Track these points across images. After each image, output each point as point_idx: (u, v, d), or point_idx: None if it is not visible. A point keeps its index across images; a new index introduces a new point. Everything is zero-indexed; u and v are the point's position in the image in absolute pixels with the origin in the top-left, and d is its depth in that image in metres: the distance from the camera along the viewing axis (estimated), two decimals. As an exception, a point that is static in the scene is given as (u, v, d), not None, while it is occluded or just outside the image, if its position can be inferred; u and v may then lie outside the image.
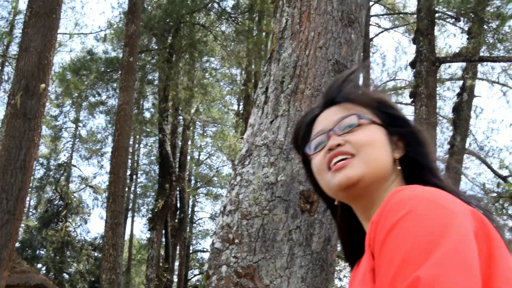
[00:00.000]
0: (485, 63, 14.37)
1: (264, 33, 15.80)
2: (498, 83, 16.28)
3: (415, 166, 1.29)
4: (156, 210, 15.40)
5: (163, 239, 17.01)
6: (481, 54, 11.88)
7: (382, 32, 17.27)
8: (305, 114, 1.43)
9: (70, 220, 22.63)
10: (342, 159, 1.26)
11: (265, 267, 2.83)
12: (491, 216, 1.14)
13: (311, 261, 2.91)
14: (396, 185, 1.28)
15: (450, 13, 12.04)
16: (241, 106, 22.39)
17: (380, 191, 1.27)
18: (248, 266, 2.85)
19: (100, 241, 23.41)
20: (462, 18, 11.88)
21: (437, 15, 12.25)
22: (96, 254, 22.96)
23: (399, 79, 18.28)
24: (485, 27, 11.39)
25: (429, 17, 11.70)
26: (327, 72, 3.15)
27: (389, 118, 1.31)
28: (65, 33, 18.94)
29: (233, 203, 3.02)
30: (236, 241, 2.93)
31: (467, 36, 12.11)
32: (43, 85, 8.66)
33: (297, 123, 1.45)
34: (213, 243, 3.04)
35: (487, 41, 11.75)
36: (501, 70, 15.53)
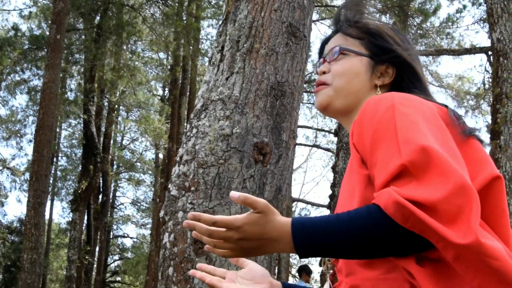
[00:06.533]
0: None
1: (193, 18, 15.80)
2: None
3: (409, 89, 1.43)
4: (79, 191, 15.10)
5: (85, 222, 16.73)
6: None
7: (308, 24, 17.59)
8: (325, 37, 1.61)
9: (-15, 202, 21.78)
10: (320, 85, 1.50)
11: (220, 213, 2.99)
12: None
13: (263, 208, 3.09)
14: None
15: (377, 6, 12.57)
16: (166, 91, 22.29)
17: (355, 112, 1.43)
18: (204, 211, 2.99)
19: (17, 225, 22.64)
20: (388, 12, 12.42)
21: (363, 7, 12.67)
22: (12, 238, 22.21)
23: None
24: (409, 22, 11.96)
25: (356, 10, 12.08)
26: (281, 33, 3.34)
27: (377, 48, 1.46)
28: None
29: (190, 153, 3.16)
30: (193, 188, 3.07)
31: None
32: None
33: (320, 45, 1.61)
34: (169, 191, 3.17)
35: (410, 36, 12.38)
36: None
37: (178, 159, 3.24)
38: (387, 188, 1.10)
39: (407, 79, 1.44)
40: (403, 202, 1.05)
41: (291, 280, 20.89)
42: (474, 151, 1.24)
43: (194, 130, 3.23)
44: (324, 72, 1.49)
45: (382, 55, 1.45)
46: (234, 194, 1.15)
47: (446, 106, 1.31)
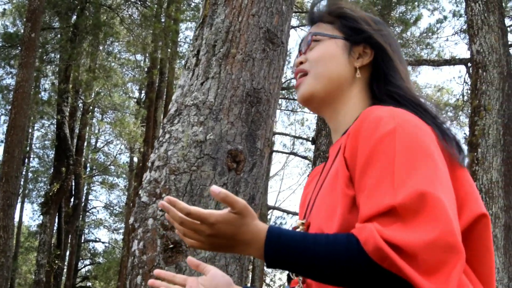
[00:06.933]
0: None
1: (172, 20, 15.68)
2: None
3: (381, 71, 1.39)
4: (50, 194, 14.82)
5: (56, 225, 16.44)
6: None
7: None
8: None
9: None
10: (300, 77, 1.44)
11: (191, 221, 2.90)
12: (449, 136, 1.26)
13: (236, 217, 3.01)
14: (360, 96, 1.39)
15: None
16: (142, 94, 22.07)
17: (340, 102, 1.40)
18: (175, 219, 2.90)
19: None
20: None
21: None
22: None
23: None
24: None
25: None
26: (259, 39, 3.27)
27: (349, 29, 1.42)
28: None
29: (161, 159, 3.07)
30: (164, 195, 2.98)
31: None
32: None
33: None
34: (139, 197, 3.07)
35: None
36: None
37: (149, 164, 3.15)
38: (370, 225, 1.06)
39: (381, 60, 1.39)
40: (381, 246, 1.01)
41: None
42: (461, 183, 1.19)
43: (167, 136, 3.14)
44: (301, 63, 1.45)
45: (354, 36, 1.41)
46: (215, 189, 1.10)
47: (433, 129, 1.23)
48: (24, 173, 23.07)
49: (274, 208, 20.27)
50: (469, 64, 9.10)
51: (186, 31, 20.34)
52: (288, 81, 16.03)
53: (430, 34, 12.76)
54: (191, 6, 16.73)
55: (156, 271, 1.37)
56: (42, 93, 17.71)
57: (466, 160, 1.26)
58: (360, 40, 1.40)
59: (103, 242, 28.48)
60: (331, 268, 1.08)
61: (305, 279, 1.30)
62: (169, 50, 15.45)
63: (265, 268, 20.23)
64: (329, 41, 1.42)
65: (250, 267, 17.72)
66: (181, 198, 2.94)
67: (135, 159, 22.29)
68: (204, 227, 1.13)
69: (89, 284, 28.34)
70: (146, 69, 18.96)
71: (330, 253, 1.08)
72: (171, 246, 2.87)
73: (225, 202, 1.12)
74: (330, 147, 1.43)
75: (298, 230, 1.32)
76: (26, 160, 23.66)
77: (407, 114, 1.19)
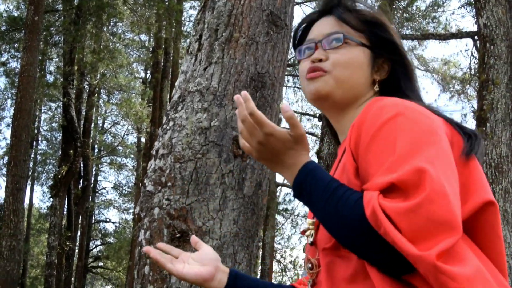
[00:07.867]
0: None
1: (175, 0, 15.55)
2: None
3: (395, 89, 1.37)
4: (59, 176, 14.87)
5: (66, 207, 16.53)
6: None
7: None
8: (305, 16, 1.52)
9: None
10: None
11: (198, 209, 2.88)
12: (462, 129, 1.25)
13: (243, 204, 2.98)
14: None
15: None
16: (148, 74, 22.01)
17: (352, 108, 1.38)
18: (181, 208, 2.88)
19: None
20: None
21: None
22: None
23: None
24: (395, 5, 11.85)
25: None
26: (261, 22, 3.21)
27: (378, 40, 1.38)
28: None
29: (166, 147, 3.03)
30: (169, 184, 2.95)
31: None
32: None
33: (298, 24, 1.53)
34: (144, 186, 3.05)
35: (396, 20, 12.24)
36: (407, 49, 16.25)
37: (154, 153, 3.12)
38: (375, 192, 1.07)
39: (402, 75, 1.38)
40: (376, 210, 1.04)
41: (275, 266, 20.90)
42: (470, 171, 1.17)
43: (171, 123, 3.10)
44: (320, 60, 1.38)
45: (381, 47, 1.38)
46: (286, 106, 1.15)
47: (451, 121, 1.24)
48: (32, 155, 23.19)
49: (282, 185, 20.30)
50: (476, 38, 8.96)
51: (190, 10, 20.20)
52: (294, 57, 15.91)
53: (436, 7, 12.63)
54: (194, -16, 16.57)
55: (158, 244, 1.45)
56: (48, 76, 17.69)
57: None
58: (385, 53, 1.38)
59: (113, 222, 28.71)
60: (335, 220, 1.13)
61: (315, 282, 1.30)
62: (173, 29, 15.35)
63: (275, 245, 20.32)
64: (357, 48, 1.37)
65: (260, 243, 17.79)
66: (186, 186, 2.91)
67: (143, 139, 22.33)
68: (259, 133, 1.19)
69: (101, 264, 28.63)
70: (151, 49, 18.86)
71: (338, 206, 1.12)
72: (178, 235, 2.85)
73: (288, 122, 1.17)
74: (338, 147, 1.43)
75: (308, 231, 1.34)
76: (34, 143, 23.75)
77: (412, 103, 1.20)
